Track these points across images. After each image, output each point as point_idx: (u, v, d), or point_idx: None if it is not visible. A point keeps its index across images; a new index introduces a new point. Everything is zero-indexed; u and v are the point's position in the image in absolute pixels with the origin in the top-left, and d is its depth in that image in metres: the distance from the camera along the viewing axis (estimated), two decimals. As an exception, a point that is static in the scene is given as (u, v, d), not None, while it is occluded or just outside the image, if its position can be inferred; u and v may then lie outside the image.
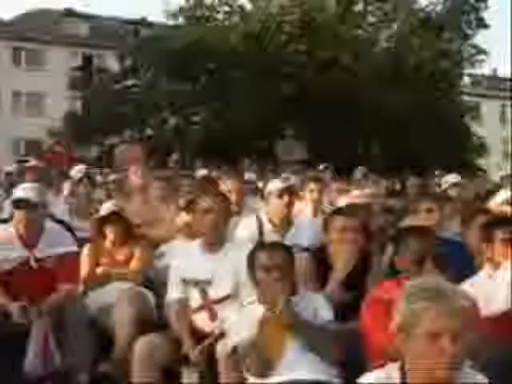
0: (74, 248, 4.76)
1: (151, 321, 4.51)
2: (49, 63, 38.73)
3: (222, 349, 3.61)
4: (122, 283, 4.88)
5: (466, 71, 34.12)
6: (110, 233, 5.13)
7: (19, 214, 4.55)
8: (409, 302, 2.28)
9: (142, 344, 3.94)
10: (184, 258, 4.23)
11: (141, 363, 3.87)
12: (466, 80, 39.06)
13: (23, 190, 4.64)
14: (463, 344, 2.22)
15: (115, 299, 4.59)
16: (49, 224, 4.75)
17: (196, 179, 7.85)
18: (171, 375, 3.95)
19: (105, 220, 5.18)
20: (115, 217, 5.14)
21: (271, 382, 3.28)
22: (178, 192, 6.44)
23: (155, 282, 4.98)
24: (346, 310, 3.80)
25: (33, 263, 4.54)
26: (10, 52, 38.22)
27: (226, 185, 6.21)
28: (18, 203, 4.56)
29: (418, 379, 2.29)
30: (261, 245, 3.82)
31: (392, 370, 2.37)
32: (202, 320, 4.03)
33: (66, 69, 38.88)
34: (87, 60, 39.63)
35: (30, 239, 4.56)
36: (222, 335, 3.73)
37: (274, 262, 3.48)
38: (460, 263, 3.99)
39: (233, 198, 5.78)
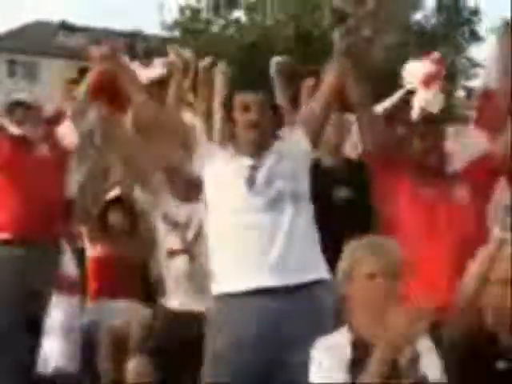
0: None
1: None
2: (44, 75, 38.82)
3: None
4: (115, 302, 4.64)
5: (461, 84, 34.29)
6: (114, 221, 4.75)
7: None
8: (352, 251, 2.69)
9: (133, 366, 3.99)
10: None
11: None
12: (461, 93, 39.21)
13: (17, 94, 4.46)
14: (397, 285, 2.59)
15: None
16: None
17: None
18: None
19: (108, 206, 4.77)
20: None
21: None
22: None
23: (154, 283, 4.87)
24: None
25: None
26: (5, 64, 38.33)
27: None
28: (12, 107, 4.28)
29: (364, 327, 2.56)
30: None
31: (342, 334, 2.63)
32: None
33: (62, 81, 38.95)
34: (83, 72, 39.70)
35: None
36: None
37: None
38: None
39: None
